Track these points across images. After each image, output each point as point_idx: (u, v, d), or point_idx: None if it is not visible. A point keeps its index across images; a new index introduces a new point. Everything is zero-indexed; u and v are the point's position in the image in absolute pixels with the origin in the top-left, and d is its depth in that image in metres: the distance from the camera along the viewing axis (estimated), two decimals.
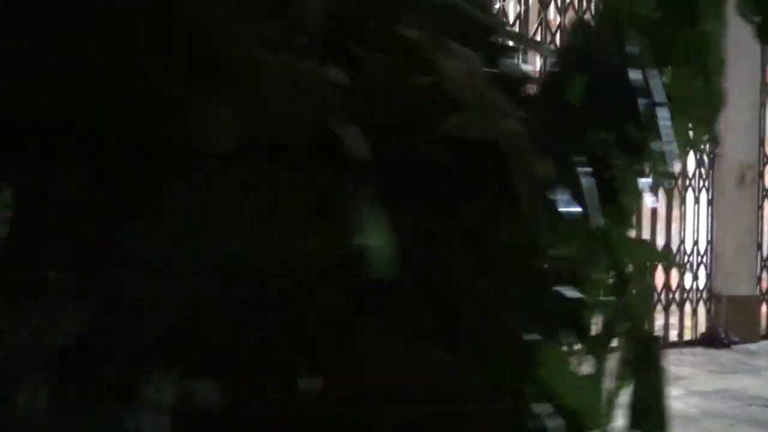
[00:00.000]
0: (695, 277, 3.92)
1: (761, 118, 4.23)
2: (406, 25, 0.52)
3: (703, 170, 3.91)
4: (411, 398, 0.47)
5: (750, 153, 4.12)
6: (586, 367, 0.56)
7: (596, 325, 0.57)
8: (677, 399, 2.59)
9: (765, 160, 4.23)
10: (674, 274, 3.84)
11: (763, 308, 4.26)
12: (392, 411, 0.46)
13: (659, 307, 3.66)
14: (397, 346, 0.47)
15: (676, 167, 3.50)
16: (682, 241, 3.89)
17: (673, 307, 3.82)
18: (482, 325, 0.48)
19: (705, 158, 3.84)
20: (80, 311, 0.41)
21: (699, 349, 3.71)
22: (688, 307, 3.89)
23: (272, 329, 0.44)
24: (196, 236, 0.43)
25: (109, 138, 0.42)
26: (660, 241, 3.63)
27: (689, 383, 2.95)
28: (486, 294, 0.49)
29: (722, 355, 3.67)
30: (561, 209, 0.54)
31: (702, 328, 3.92)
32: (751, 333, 4.04)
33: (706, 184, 3.95)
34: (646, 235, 3.54)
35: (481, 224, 0.50)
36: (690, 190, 3.90)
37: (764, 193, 4.24)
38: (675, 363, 3.17)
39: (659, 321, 3.64)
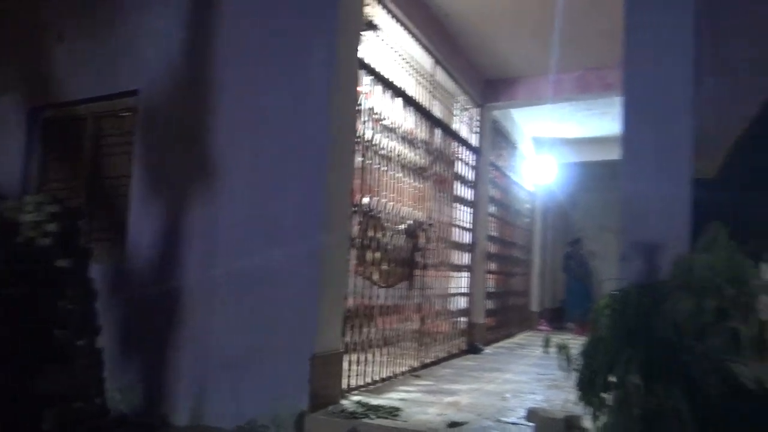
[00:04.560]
0: (465, 313, 6.83)
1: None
2: None
3: (469, 254, 6.90)
4: None
5: (485, 243, 7.34)
6: None
7: None
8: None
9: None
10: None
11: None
12: None
13: (455, 330, 6.43)
14: None
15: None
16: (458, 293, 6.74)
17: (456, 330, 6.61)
18: None
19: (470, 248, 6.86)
20: None
21: (471, 355, 6.58)
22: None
23: None
24: None
25: None
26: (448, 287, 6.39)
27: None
28: None
29: (488, 354, 6.62)
30: None
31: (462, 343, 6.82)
32: (485, 342, 7.19)
33: (470, 260, 6.96)
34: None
35: None
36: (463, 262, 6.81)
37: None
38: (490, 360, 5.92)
39: (456, 340, 6.41)
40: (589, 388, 2.74)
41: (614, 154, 3.60)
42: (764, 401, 2.46)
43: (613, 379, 2.66)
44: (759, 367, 6.45)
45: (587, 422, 2.87)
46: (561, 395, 4.29)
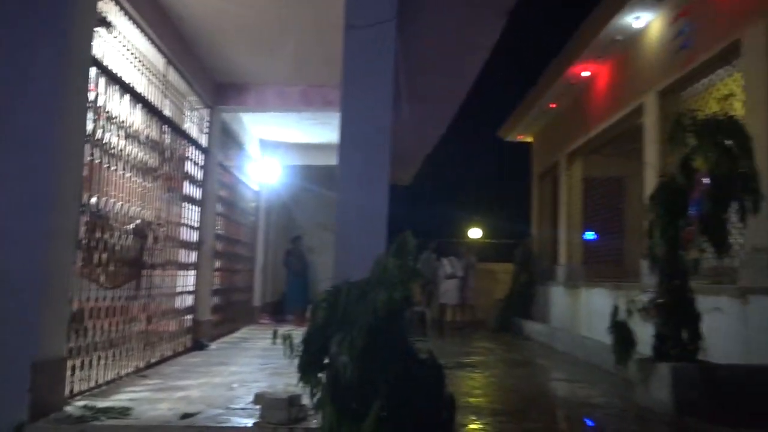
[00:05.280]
0: (191, 311, 6.93)
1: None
2: None
3: (196, 252, 7.01)
4: None
5: (212, 241, 7.53)
6: None
7: None
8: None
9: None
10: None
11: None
12: None
13: (181, 328, 6.49)
14: None
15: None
16: (185, 291, 6.81)
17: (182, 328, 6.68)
18: None
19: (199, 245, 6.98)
20: None
21: (197, 351, 6.71)
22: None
23: None
24: None
25: None
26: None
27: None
28: None
29: (213, 351, 6.82)
30: None
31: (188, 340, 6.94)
32: (211, 338, 7.41)
33: (197, 258, 7.07)
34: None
35: None
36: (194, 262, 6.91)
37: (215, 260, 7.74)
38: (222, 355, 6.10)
39: (182, 337, 6.48)
40: (307, 370, 3.27)
41: (333, 159, 4.19)
42: (433, 368, 3.27)
43: (326, 360, 3.23)
44: (435, 342, 7.96)
45: (306, 400, 3.40)
46: (282, 380, 4.81)
